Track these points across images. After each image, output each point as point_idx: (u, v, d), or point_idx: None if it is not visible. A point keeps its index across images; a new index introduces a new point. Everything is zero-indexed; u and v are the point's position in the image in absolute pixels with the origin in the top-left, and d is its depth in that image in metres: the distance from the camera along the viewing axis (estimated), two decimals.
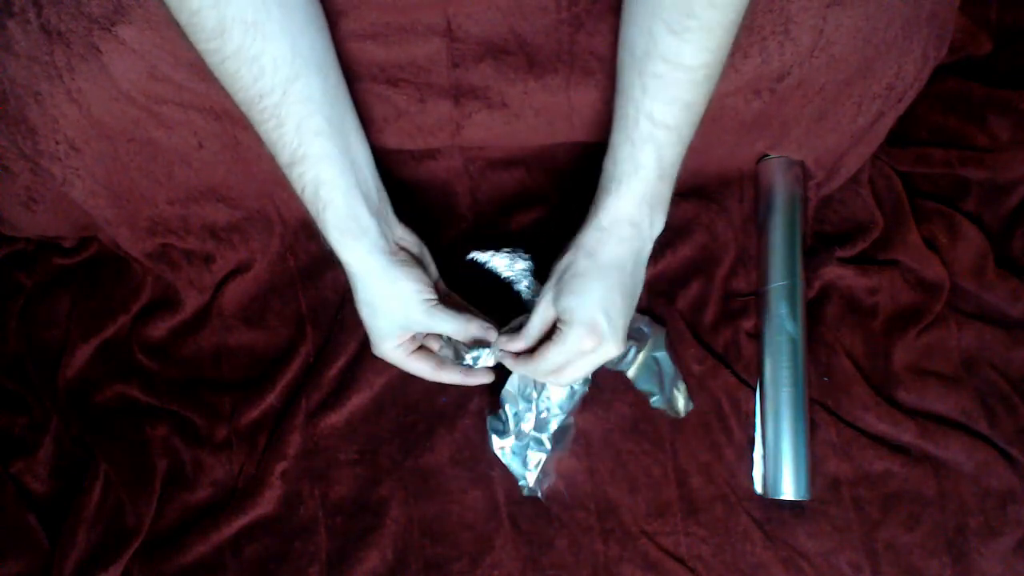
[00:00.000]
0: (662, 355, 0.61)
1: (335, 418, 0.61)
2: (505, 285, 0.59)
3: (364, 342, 0.62)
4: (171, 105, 0.54)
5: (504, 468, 0.59)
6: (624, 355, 0.60)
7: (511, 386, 0.58)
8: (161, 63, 0.51)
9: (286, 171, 0.49)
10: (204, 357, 0.65)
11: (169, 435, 0.62)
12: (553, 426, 0.58)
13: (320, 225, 0.49)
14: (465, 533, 0.58)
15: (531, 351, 0.52)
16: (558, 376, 0.51)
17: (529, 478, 0.58)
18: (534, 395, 0.57)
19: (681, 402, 0.60)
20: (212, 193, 0.62)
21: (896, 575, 0.58)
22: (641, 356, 0.60)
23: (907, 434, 0.61)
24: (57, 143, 0.54)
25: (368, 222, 0.49)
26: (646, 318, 0.61)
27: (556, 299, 0.50)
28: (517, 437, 0.58)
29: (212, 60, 0.45)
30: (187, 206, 0.62)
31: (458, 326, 0.51)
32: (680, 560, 0.58)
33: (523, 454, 0.58)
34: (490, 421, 0.59)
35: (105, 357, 0.65)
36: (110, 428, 0.62)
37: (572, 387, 0.57)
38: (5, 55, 0.51)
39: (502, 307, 0.57)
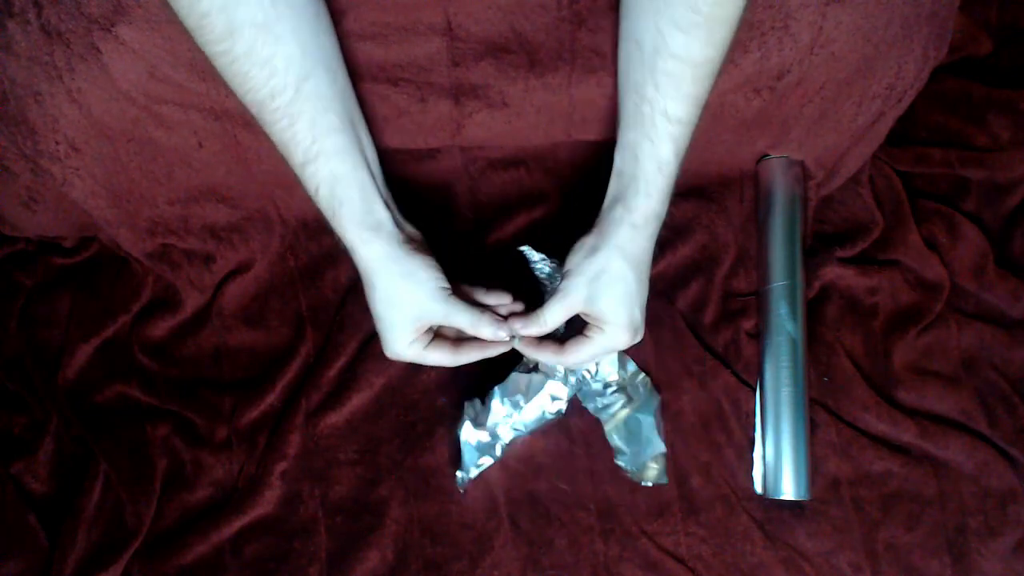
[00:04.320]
0: (647, 420, 0.59)
1: (335, 418, 0.61)
2: (527, 283, 0.58)
3: (364, 342, 0.62)
4: (171, 105, 0.54)
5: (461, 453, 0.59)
6: (608, 405, 0.60)
7: (503, 389, 0.58)
8: (161, 63, 0.51)
9: (299, 172, 0.49)
10: (204, 357, 0.65)
11: (169, 435, 0.62)
12: (507, 437, 0.58)
13: (335, 222, 0.49)
14: (465, 533, 0.58)
15: (558, 342, 0.53)
16: (582, 364, 0.53)
17: (471, 473, 0.58)
18: (522, 403, 0.58)
19: (652, 474, 0.59)
20: (212, 193, 0.62)
21: (896, 575, 0.58)
22: (624, 412, 0.60)
23: (907, 434, 0.61)
24: (57, 143, 0.54)
25: (383, 215, 0.50)
26: (648, 380, 0.61)
27: (592, 301, 0.49)
28: (491, 436, 0.58)
29: (221, 62, 0.45)
30: (187, 206, 0.62)
31: (472, 319, 0.51)
32: (680, 560, 0.58)
33: (481, 452, 0.58)
34: (467, 406, 0.59)
35: (105, 357, 0.65)
36: (110, 428, 0.62)
37: (544, 414, 0.58)
38: (5, 55, 0.51)
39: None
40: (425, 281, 0.50)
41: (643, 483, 0.59)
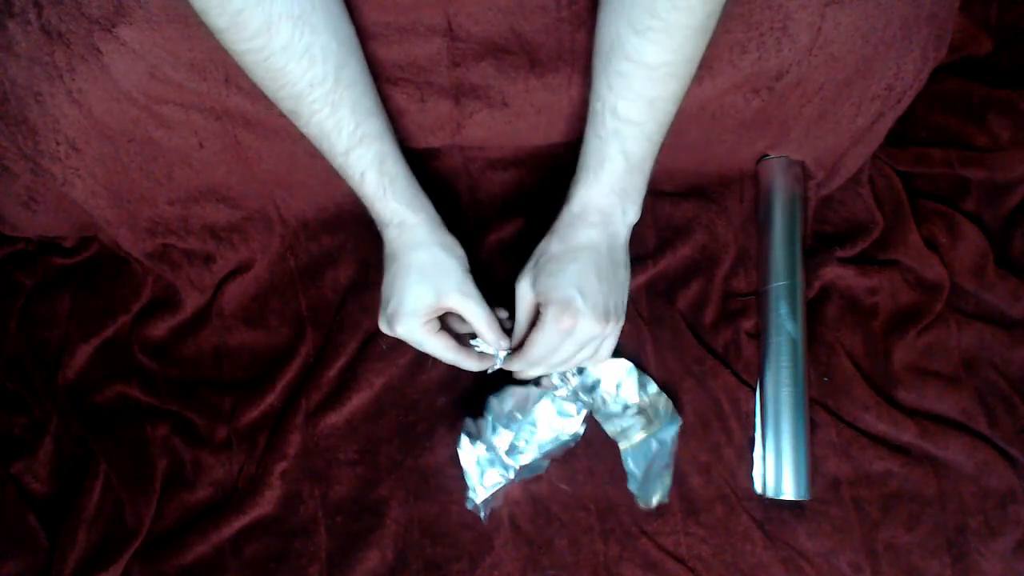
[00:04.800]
0: (663, 442, 0.58)
1: (335, 418, 0.61)
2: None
3: (364, 342, 0.62)
4: (171, 105, 0.54)
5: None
6: (627, 428, 0.59)
7: (499, 400, 0.57)
8: (161, 63, 0.51)
9: (341, 160, 0.50)
10: (204, 357, 0.65)
11: (169, 435, 0.62)
12: (524, 459, 0.56)
13: (383, 203, 0.51)
14: (465, 533, 0.58)
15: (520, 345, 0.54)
16: (550, 364, 0.53)
17: (479, 493, 0.56)
18: (518, 416, 0.57)
19: (657, 496, 0.57)
20: (212, 193, 0.62)
21: (896, 575, 0.58)
22: (641, 435, 0.59)
23: (907, 434, 0.61)
24: (58, 143, 0.54)
25: (423, 192, 0.52)
26: (670, 403, 0.59)
27: (534, 282, 0.51)
28: (487, 449, 0.56)
29: (254, 59, 0.45)
30: (187, 206, 0.62)
31: (486, 314, 0.52)
32: (680, 560, 0.58)
33: (484, 468, 0.56)
34: (466, 423, 0.58)
35: (105, 357, 0.65)
36: (110, 428, 0.62)
37: (559, 435, 0.57)
38: (6, 56, 0.51)
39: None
40: (460, 258, 0.52)
41: (647, 507, 0.58)
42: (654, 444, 0.58)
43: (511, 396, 0.57)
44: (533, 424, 0.56)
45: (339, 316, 0.63)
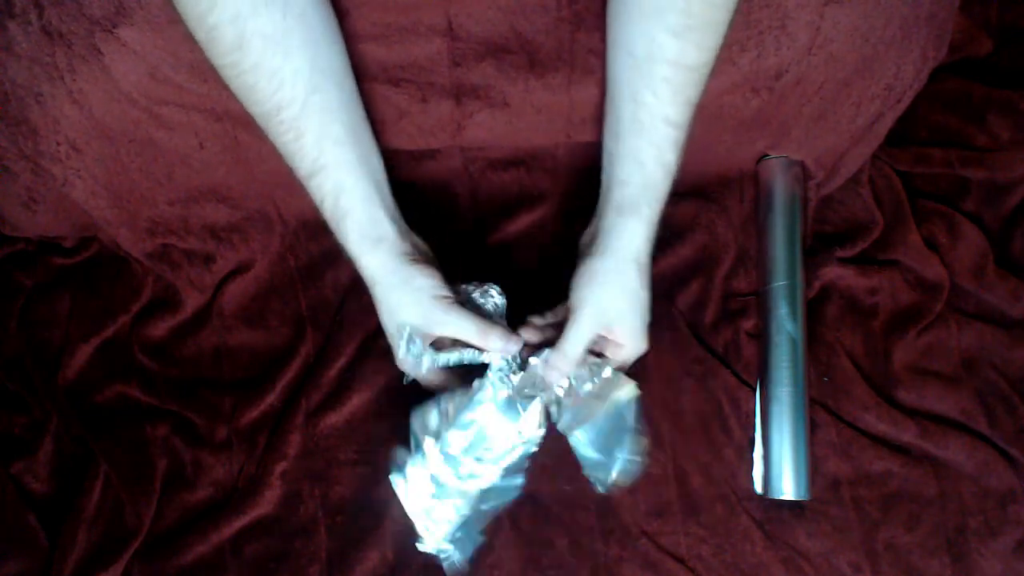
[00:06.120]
0: (616, 411, 0.51)
1: (335, 418, 0.61)
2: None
3: (364, 342, 0.62)
4: (172, 106, 0.54)
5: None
6: (579, 414, 0.51)
7: (421, 415, 0.52)
8: (162, 64, 0.51)
9: (305, 183, 0.50)
10: (204, 357, 0.65)
11: (169, 435, 0.62)
12: (482, 483, 0.50)
13: (340, 234, 0.50)
14: None
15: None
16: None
17: (431, 537, 0.49)
18: (452, 428, 0.49)
19: (615, 472, 0.51)
20: (212, 193, 0.62)
21: (896, 575, 0.58)
22: (593, 416, 0.51)
23: (907, 434, 0.61)
24: (58, 144, 0.54)
25: (387, 227, 0.50)
26: (621, 376, 0.52)
27: (610, 327, 0.50)
28: (427, 480, 0.49)
29: (229, 74, 0.46)
30: (187, 206, 0.62)
31: (480, 328, 0.49)
32: (680, 560, 0.58)
33: (429, 503, 0.49)
34: (395, 454, 0.52)
35: (105, 357, 0.65)
36: (110, 428, 0.62)
37: (515, 444, 0.50)
38: (6, 56, 0.51)
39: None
40: (422, 289, 0.50)
41: (604, 488, 0.51)
42: (604, 420, 0.51)
43: (433, 409, 0.52)
44: (481, 439, 0.49)
45: (339, 316, 0.63)
